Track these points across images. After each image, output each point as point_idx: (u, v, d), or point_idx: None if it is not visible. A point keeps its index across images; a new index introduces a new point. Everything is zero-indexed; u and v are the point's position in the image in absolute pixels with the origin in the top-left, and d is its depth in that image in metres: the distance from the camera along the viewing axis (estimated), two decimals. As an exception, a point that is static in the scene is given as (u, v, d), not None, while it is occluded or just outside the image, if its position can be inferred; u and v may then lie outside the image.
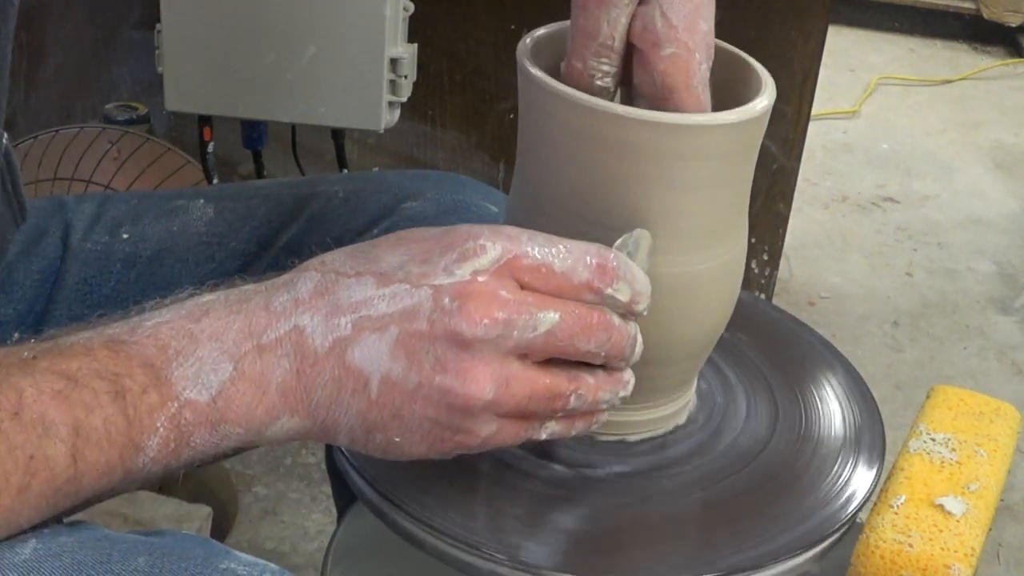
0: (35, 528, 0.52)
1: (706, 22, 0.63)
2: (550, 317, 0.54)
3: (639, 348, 0.58)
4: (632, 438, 0.70)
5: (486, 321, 0.52)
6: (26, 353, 0.51)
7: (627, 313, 0.57)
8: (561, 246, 0.55)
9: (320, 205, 0.88)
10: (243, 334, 0.53)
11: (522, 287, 0.54)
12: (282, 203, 0.88)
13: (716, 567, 0.61)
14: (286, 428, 0.55)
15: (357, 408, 0.54)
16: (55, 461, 0.49)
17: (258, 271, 0.85)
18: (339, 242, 0.87)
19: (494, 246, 0.53)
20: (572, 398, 0.56)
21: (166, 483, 1.37)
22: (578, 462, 0.68)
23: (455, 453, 0.57)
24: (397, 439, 0.55)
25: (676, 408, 0.71)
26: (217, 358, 0.52)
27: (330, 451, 1.05)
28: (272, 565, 0.53)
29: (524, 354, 0.54)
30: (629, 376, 0.59)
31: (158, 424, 0.51)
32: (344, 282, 0.54)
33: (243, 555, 0.54)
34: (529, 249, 0.54)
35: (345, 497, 1.03)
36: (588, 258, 0.55)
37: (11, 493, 0.49)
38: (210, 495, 1.41)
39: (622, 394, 0.59)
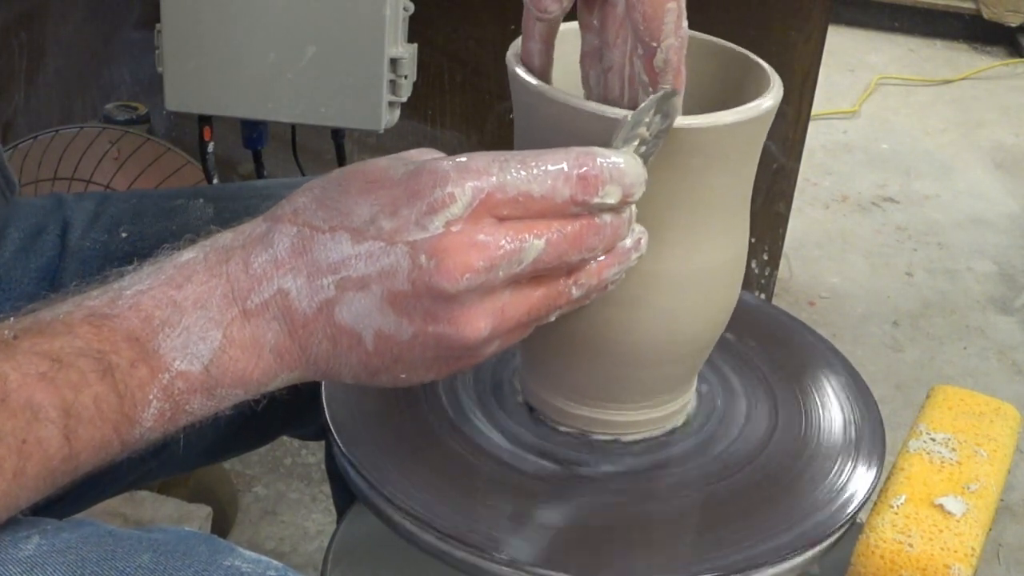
0: (38, 524, 0.52)
1: None
2: (535, 246, 0.52)
3: (636, 231, 0.57)
4: (627, 438, 0.70)
5: (468, 275, 0.51)
6: (6, 332, 0.50)
7: (621, 206, 0.55)
8: (536, 165, 0.52)
9: None
10: (227, 299, 0.52)
11: (501, 220, 0.52)
12: None
13: (716, 567, 0.61)
14: (286, 380, 0.55)
15: (356, 359, 0.54)
16: (48, 443, 0.49)
17: None
18: None
19: (463, 191, 0.51)
20: (573, 290, 0.55)
21: (166, 483, 1.37)
22: (574, 461, 0.68)
23: (467, 368, 0.57)
24: (403, 375, 0.55)
25: (674, 409, 0.71)
26: (204, 326, 0.52)
27: (330, 453, 1.05)
28: (276, 563, 0.53)
29: (514, 285, 0.54)
30: (634, 239, 0.57)
31: (151, 397, 0.51)
32: (320, 239, 0.53)
33: (247, 552, 0.53)
34: (502, 182, 0.52)
35: (345, 498, 1.03)
36: (568, 169, 0.53)
37: (7, 478, 0.48)
38: (210, 495, 1.41)
39: (633, 260, 0.58)
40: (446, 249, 0.51)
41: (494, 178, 0.52)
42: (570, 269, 0.55)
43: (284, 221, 0.54)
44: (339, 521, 0.86)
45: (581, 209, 0.53)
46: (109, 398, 0.50)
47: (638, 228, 0.58)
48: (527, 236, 0.52)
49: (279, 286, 0.53)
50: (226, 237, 0.55)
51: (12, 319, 0.51)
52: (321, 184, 0.55)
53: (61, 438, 0.49)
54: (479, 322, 0.53)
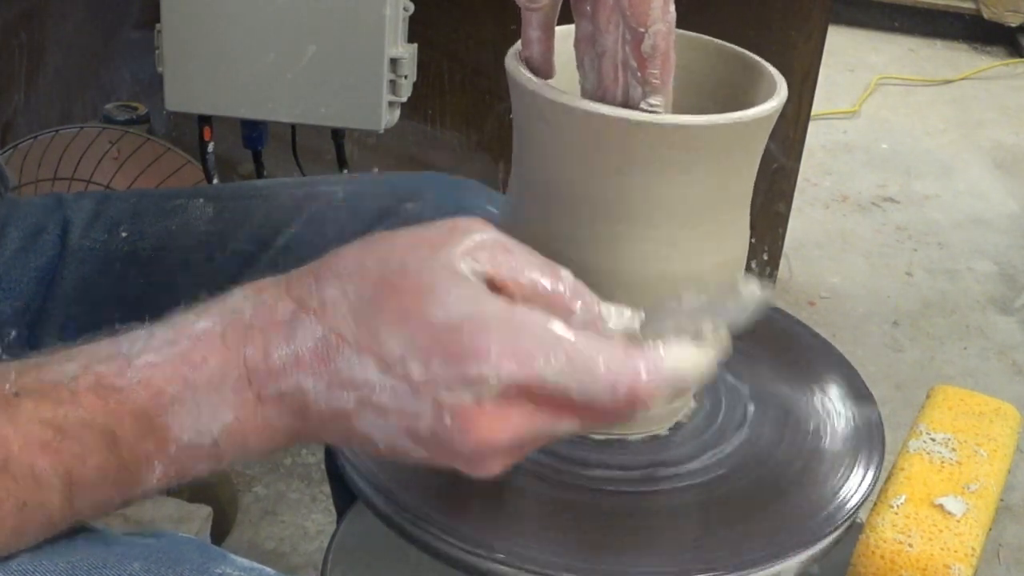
0: None
1: None
2: (566, 425, 0.51)
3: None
4: (626, 437, 0.70)
5: (491, 448, 0.50)
6: (7, 387, 0.49)
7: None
8: (586, 365, 0.49)
9: (320, 206, 0.88)
10: (242, 383, 0.51)
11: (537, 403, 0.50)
12: (281, 203, 0.88)
13: (715, 566, 0.61)
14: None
15: (367, 454, 0.56)
16: (49, 505, 0.49)
17: (257, 271, 0.85)
18: (338, 243, 0.87)
19: (498, 377, 0.48)
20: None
21: (166, 483, 1.37)
22: (574, 460, 0.68)
23: None
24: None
25: (673, 408, 0.71)
26: (217, 405, 0.50)
27: (330, 452, 1.05)
28: (268, 570, 0.53)
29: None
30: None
31: (155, 464, 0.50)
32: (345, 353, 0.51)
33: (240, 559, 0.53)
34: (542, 378, 0.49)
35: (345, 498, 1.03)
36: (618, 385, 0.49)
37: (6, 533, 0.48)
38: (210, 495, 1.41)
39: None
40: (473, 420, 0.49)
41: (535, 372, 0.49)
42: None
43: (310, 314, 0.52)
44: (339, 521, 0.86)
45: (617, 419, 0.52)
46: (112, 467, 0.50)
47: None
48: (560, 419, 0.51)
49: (298, 383, 0.51)
50: (246, 309, 0.53)
51: (13, 371, 0.50)
52: (355, 285, 0.52)
53: (63, 501, 0.49)
54: (492, 468, 0.52)
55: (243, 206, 0.87)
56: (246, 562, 0.53)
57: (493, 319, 0.49)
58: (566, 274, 0.53)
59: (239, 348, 0.51)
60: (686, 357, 0.51)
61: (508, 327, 0.49)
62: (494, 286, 0.51)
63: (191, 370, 0.50)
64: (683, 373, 0.51)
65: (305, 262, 0.88)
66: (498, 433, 0.49)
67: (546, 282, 0.52)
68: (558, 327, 0.49)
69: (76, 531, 0.53)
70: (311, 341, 0.51)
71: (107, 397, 0.49)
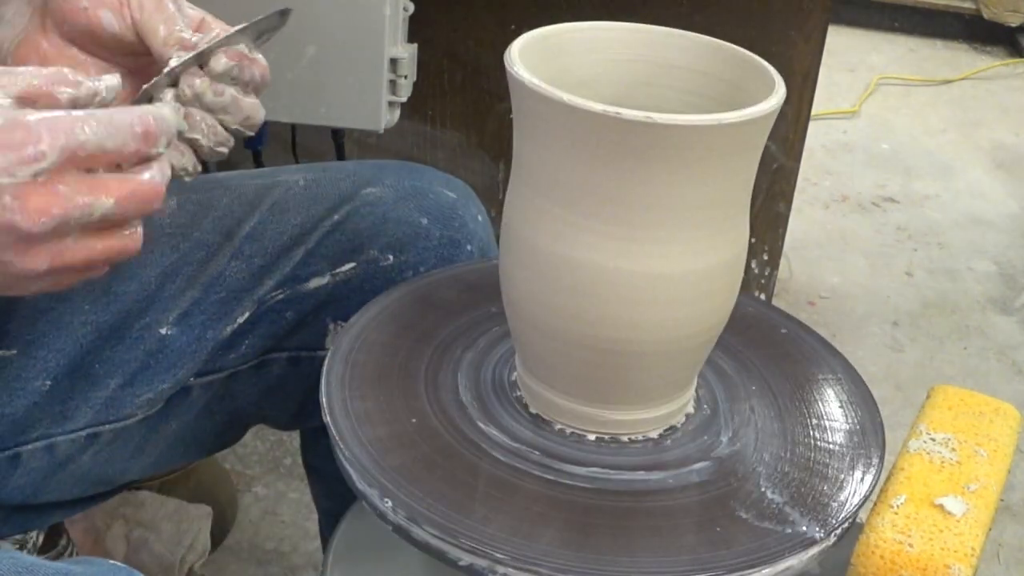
0: None
1: None
2: (104, 204, 0.59)
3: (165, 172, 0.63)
4: (626, 437, 0.70)
5: (43, 219, 0.57)
6: None
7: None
8: (111, 122, 0.59)
9: (281, 193, 0.89)
10: None
11: (85, 171, 0.59)
12: (244, 193, 0.89)
13: (715, 566, 0.61)
14: None
15: None
16: None
17: (222, 260, 0.86)
18: (300, 229, 0.88)
19: (52, 150, 0.57)
20: (129, 243, 0.63)
21: (167, 483, 1.37)
22: (574, 460, 0.68)
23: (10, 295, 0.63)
24: None
25: (674, 408, 0.71)
26: None
27: (306, 445, 1.05)
28: None
29: (82, 230, 0.60)
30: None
31: None
32: None
33: None
34: (84, 139, 0.58)
35: (323, 491, 1.04)
36: (135, 127, 0.60)
37: None
38: (210, 495, 1.41)
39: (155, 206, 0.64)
40: (29, 195, 0.57)
41: (78, 136, 0.58)
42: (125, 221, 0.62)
43: None
44: (325, 515, 0.86)
45: (147, 156, 0.61)
46: None
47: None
48: (99, 192, 0.59)
49: None
50: None
51: None
52: None
53: None
54: (39, 259, 0.59)
55: (206, 197, 0.88)
56: None
57: (34, 116, 0.58)
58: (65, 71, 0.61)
59: None
60: (168, 111, 0.64)
61: (49, 117, 0.58)
62: (26, 102, 0.59)
63: None
64: (169, 121, 0.63)
65: (268, 250, 0.89)
66: (51, 205, 0.57)
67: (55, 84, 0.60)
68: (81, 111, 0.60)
69: (4, 559, 0.53)
70: None
71: None
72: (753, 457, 0.70)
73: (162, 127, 0.62)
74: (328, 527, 1.00)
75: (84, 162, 0.59)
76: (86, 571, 0.53)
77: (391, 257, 0.88)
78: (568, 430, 0.70)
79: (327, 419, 0.69)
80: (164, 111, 0.63)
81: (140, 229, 0.64)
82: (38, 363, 0.80)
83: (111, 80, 0.63)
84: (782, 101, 0.62)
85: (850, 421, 0.73)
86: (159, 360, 0.84)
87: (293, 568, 1.46)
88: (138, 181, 0.61)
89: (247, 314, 0.87)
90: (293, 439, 1.58)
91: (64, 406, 0.82)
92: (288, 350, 0.91)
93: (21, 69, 0.60)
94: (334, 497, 0.97)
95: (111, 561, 0.56)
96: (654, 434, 0.71)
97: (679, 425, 0.72)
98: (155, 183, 0.62)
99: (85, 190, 0.59)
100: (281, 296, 0.88)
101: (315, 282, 0.88)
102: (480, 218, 0.92)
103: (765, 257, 1.80)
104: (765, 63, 0.66)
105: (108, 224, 0.61)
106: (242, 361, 0.89)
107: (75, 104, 0.61)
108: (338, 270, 0.88)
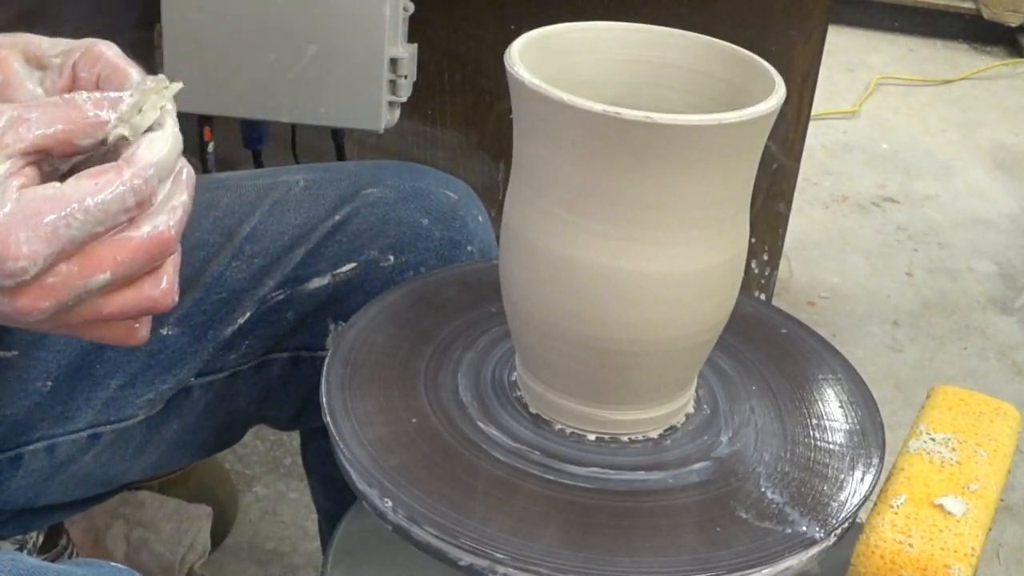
0: None
1: None
2: (99, 280, 0.55)
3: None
4: (626, 437, 0.70)
5: (34, 314, 0.54)
6: None
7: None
8: (101, 207, 0.54)
9: (281, 194, 0.89)
10: None
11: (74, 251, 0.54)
12: (244, 193, 0.89)
13: (715, 566, 0.61)
14: None
15: None
16: None
17: (223, 261, 0.86)
18: (300, 229, 0.88)
19: (33, 264, 0.53)
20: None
21: (167, 483, 1.37)
22: (574, 460, 0.68)
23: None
24: None
25: (674, 408, 0.71)
26: None
27: (306, 445, 1.05)
28: None
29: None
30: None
31: None
32: None
33: None
34: (70, 236, 0.54)
35: (323, 493, 1.04)
36: (127, 202, 0.55)
37: None
38: (210, 495, 1.41)
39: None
40: (16, 297, 0.53)
41: (63, 238, 0.53)
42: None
43: None
44: (324, 515, 0.86)
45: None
46: None
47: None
48: (95, 273, 0.54)
49: None
50: None
51: None
52: None
53: None
54: (44, 326, 0.56)
55: (207, 197, 0.88)
56: None
57: (12, 216, 0.53)
58: (83, 96, 0.56)
59: None
60: (158, 146, 0.56)
61: (26, 216, 0.53)
62: (38, 152, 0.54)
63: None
64: (163, 158, 0.56)
65: (269, 250, 0.88)
66: (42, 302, 0.54)
67: (66, 125, 0.55)
68: (68, 186, 0.53)
69: (5, 561, 0.52)
70: None
71: None
72: (753, 457, 0.70)
73: (157, 177, 0.56)
74: (328, 527, 1.00)
75: (75, 259, 0.55)
76: (87, 573, 0.53)
77: (392, 258, 0.88)
78: (568, 430, 0.70)
79: (327, 419, 0.69)
80: (157, 149, 0.56)
81: (165, 281, 0.59)
82: (39, 364, 0.80)
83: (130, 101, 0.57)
84: (782, 101, 0.62)
85: (850, 421, 0.73)
86: (160, 360, 0.84)
87: (293, 568, 1.46)
88: (138, 240, 0.56)
89: (248, 314, 0.87)
90: (293, 439, 1.58)
91: (65, 407, 0.82)
92: (289, 350, 0.91)
93: (24, 109, 0.55)
94: (334, 497, 0.97)
95: (113, 563, 0.55)
96: (654, 434, 0.71)
97: (679, 425, 0.72)
98: (159, 233, 0.56)
99: (76, 274, 0.55)
100: (282, 296, 0.88)
101: (316, 282, 0.88)
102: (481, 219, 0.92)
103: (765, 257, 1.80)
104: (765, 63, 0.66)
105: (119, 287, 0.57)
106: (243, 361, 0.89)
107: (97, 149, 0.56)
108: (339, 270, 0.88)
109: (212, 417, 0.91)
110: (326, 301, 0.89)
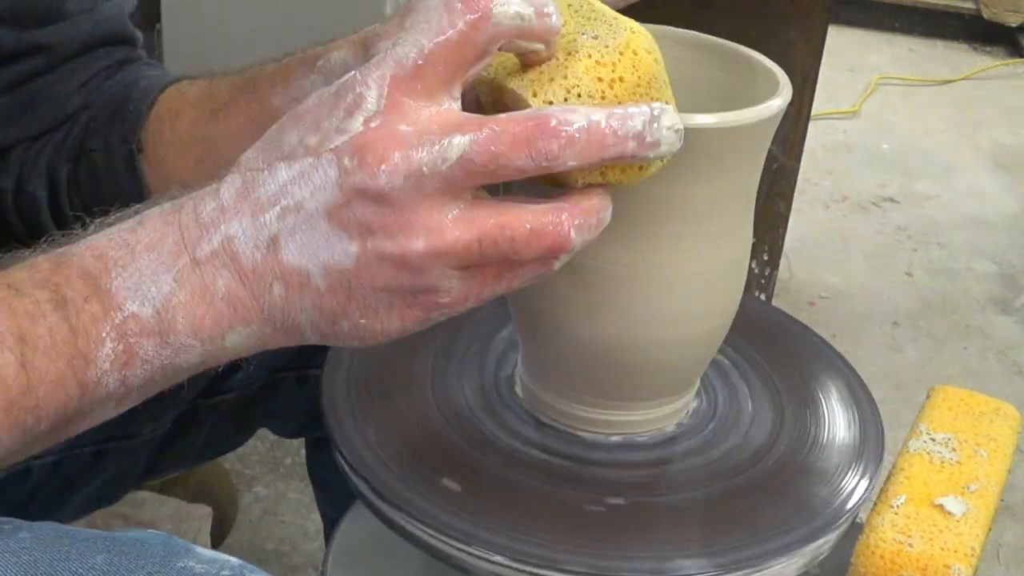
0: None
1: None
2: (458, 142, 0.48)
3: (605, 140, 0.50)
4: (629, 438, 0.70)
5: (384, 167, 0.48)
6: None
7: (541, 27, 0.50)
8: (417, 20, 0.49)
9: None
10: (177, 247, 0.52)
11: (427, 102, 0.50)
12: None
13: (716, 565, 0.61)
14: (244, 336, 0.53)
15: (310, 302, 0.52)
16: (5, 370, 0.49)
17: None
18: None
19: (368, 86, 0.49)
20: (533, 244, 0.50)
21: (167, 483, 1.37)
22: (577, 461, 0.68)
23: (435, 318, 0.53)
24: (363, 321, 0.53)
25: (677, 409, 0.71)
26: (155, 270, 0.52)
27: (312, 455, 1.05)
28: (233, 560, 0.52)
29: (457, 193, 0.49)
30: (602, 202, 0.53)
31: (103, 334, 0.51)
32: (260, 178, 0.52)
33: (204, 551, 0.53)
34: (397, 57, 0.49)
35: (326, 501, 1.04)
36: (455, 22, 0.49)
37: None
38: (210, 495, 1.41)
39: (596, 224, 0.52)
40: (365, 144, 0.49)
41: (390, 59, 0.50)
42: (531, 213, 0.50)
43: (233, 172, 0.54)
44: (329, 523, 0.86)
45: (479, 34, 0.49)
46: (62, 330, 0.50)
47: (599, 196, 0.52)
48: (450, 130, 0.49)
49: (226, 233, 0.52)
50: (180, 194, 0.55)
51: None
52: (264, 134, 0.54)
53: (18, 366, 0.49)
54: (413, 230, 0.49)
55: None
56: (210, 554, 0.53)
57: (367, 67, 0.50)
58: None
59: (173, 215, 0.53)
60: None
61: (378, 61, 0.50)
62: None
63: (131, 235, 0.52)
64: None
65: None
66: (391, 149, 0.49)
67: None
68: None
69: (44, 526, 0.53)
70: (232, 189, 0.52)
71: (58, 262, 0.52)
72: (753, 456, 0.70)
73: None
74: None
75: (414, 82, 0.49)
76: (124, 537, 0.53)
77: None
78: (570, 429, 0.70)
79: (328, 422, 0.69)
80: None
81: (592, 201, 0.51)
82: None
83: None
84: (787, 101, 0.62)
85: (850, 421, 0.73)
86: None
87: (293, 568, 1.46)
88: (508, 119, 0.49)
89: None
90: (293, 439, 1.58)
91: None
92: (296, 369, 0.90)
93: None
94: (340, 507, 0.97)
95: (149, 530, 0.56)
96: (656, 433, 0.71)
97: (681, 424, 0.72)
98: (542, 120, 0.49)
99: (433, 127, 0.49)
100: None
101: None
102: None
103: (765, 257, 1.80)
104: (770, 63, 0.66)
105: (481, 179, 0.49)
106: (250, 380, 0.89)
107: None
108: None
109: (217, 433, 0.91)
110: None
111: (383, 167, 0.48)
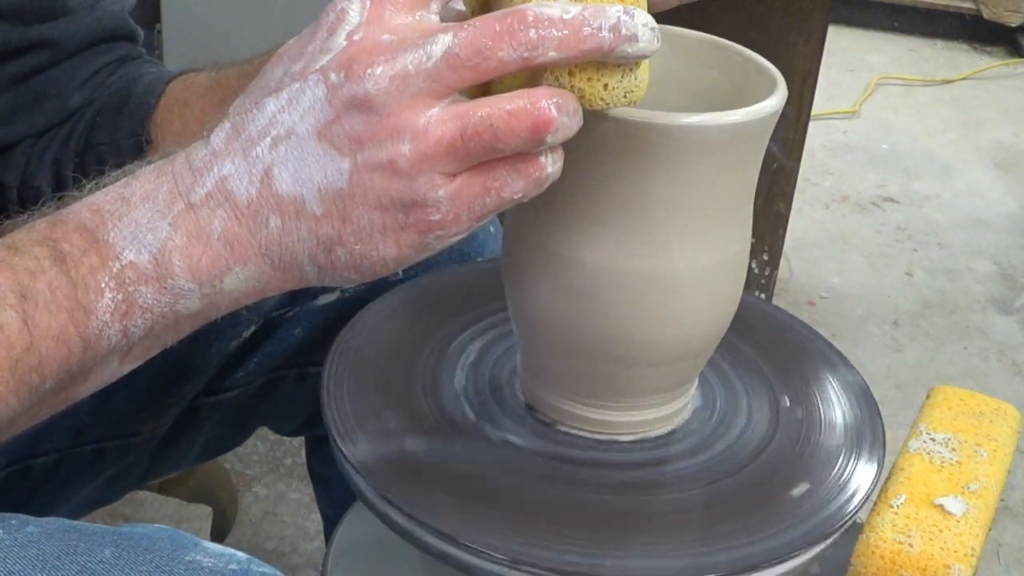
0: (3, 520, 0.52)
1: None
2: (441, 40, 0.49)
3: (581, 31, 0.50)
4: (628, 437, 0.70)
5: (370, 71, 0.49)
6: None
7: None
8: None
9: None
10: (172, 194, 0.53)
11: (407, 11, 0.51)
12: None
13: (716, 566, 0.61)
14: (244, 278, 0.54)
15: (307, 230, 0.52)
16: (8, 328, 0.50)
17: None
18: None
19: (353, 1, 0.50)
20: (514, 125, 0.50)
21: (167, 483, 1.37)
22: (575, 460, 0.68)
23: (431, 243, 0.53)
24: (358, 247, 0.53)
25: (676, 408, 0.71)
26: (151, 218, 0.52)
27: (312, 451, 1.05)
28: (240, 554, 0.53)
29: (441, 93, 0.50)
30: (575, 96, 0.53)
31: (103, 285, 0.52)
32: (249, 117, 0.53)
33: (211, 546, 0.53)
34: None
35: (326, 500, 1.04)
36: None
37: None
38: (210, 495, 1.41)
39: (574, 109, 0.52)
40: (351, 57, 0.50)
41: None
42: (512, 99, 0.50)
43: (222, 121, 0.54)
44: (329, 522, 0.86)
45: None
46: (62, 284, 0.51)
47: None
48: (431, 31, 0.50)
49: (219, 174, 0.52)
50: (173, 150, 0.56)
51: None
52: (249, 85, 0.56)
53: (20, 323, 0.50)
54: (399, 132, 0.49)
55: None
56: (217, 548, 0.53)
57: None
58: None
59: (166, 166, 0.54)
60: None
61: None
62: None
63: (125, 188, 0.53)
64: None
65: None
66: (376, 56, 0.49)
67: None
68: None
69: (51, 520, 0.53)
70: (223, 134, 0.53)
71: (55, 220, 0.53)
72: (753, 456, 0.70)
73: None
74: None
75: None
76: (131, 531, 0.53)
77: (400, 272, 0.88)
78: (569, 430, 0.70)
79: (327, 421, 0.69)
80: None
81: (552, 103, 0.50)
82: None
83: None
84: (783, 101, 0.62)
85: (850, 421, 0.73)
86: (164, 372, 0.84)
87: (293, 568, 1.46)
88: (487, 15, 0.50)
89: (252, 327, 0.87)
90: (294, 439, 1.58)
91: (75, 420, 0.81)
92: (297, 367, 0.90)
93: None
94: (339, 506, 0.97)
95: (156, 525, 0.56)
96: (655, 434, 0.71)
97: (680, 425, 0.72)
98: (521, 13, 0.49)
99: (415, 32, 0.49)
100: (290, 313, 0.87)
101: (324, 298, 0.88)
102: (492, 228, 0.91)
103: (765, 257, 1.80)
104: (766, 63, 0.66)
105: (469, 78, 0.49)
106: (250, 379, 0.89)
107: None
108: (347, 286, 0.88)
109: (218, 431, 0.91)
110: (335, 317, 0.88)
111: (368, 71, 0.49)
